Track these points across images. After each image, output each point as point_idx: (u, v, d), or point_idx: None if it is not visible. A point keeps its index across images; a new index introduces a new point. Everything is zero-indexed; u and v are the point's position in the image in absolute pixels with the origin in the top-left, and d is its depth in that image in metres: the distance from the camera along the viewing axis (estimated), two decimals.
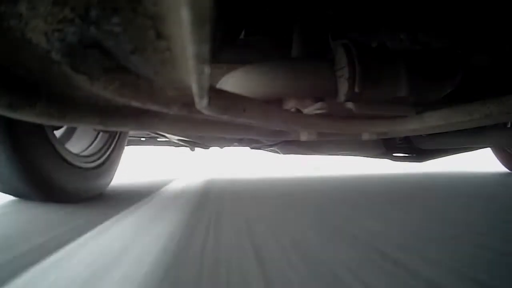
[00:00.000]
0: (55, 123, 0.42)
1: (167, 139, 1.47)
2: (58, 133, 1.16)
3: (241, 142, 1.38)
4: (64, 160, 0.96)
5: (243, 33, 1.06)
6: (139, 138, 1.79)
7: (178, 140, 1.35)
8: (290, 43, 0.87)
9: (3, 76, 0.35)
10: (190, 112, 0.44)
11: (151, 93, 0.39)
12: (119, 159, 1.38)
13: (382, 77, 0.72)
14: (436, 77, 0.77)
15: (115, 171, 1.34)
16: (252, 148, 1.54)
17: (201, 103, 0.37)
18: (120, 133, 1.38)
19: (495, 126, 1.30)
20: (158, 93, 0.40)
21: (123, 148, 1.43)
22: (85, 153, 1.16)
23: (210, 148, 1.62)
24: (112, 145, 1.30)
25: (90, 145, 1.22)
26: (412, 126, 0.77)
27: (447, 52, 0.72)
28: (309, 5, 0.67)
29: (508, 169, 2.12)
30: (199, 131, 0.62)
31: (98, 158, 1.19)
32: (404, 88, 0.73)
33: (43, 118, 0.40)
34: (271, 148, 1.48)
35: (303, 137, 0.83)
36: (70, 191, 0.98)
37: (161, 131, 0.55)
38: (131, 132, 1.54)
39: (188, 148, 1.73)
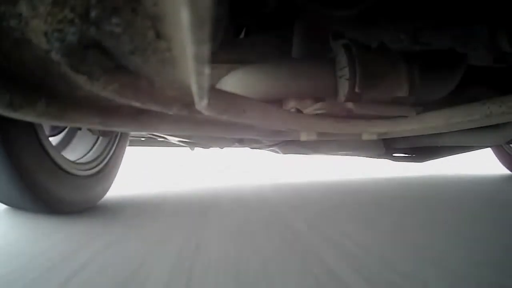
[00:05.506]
0: (55, 123, 0.42)
1: (167, 139, 1.47)
2: (55, 139, 1.14)
3: (241, 142, 1.38)
4: (59, 167, 0.93)
5: (243, 33, 1.06)
6: (139, 138, 1.79)
7: (178, 140, 1.35)
8: (291, 43, 0.87)
9: (3, 76, 0.35)
10: (190, 112, 0.44)
11: (151, 93, 0.39)
12: (118, 168, 1.34)
13: (383, 77, 0.72)
14: (436, 78, 0.77)
15: (113, 181, 1.30)
16: (252, 148, 1.54)
17: (201, 103, 0.37)
18: (120, 138, 1.35)
19: (495, 125, 1.29)
20: (158, 93, 0.40)
21: (122, 156, 1.39)
22: (82, 160, 1.13)
23: (210, 148, 1.62)
24: (111, 152, 1.27)
25: (88, 152, 1.19)
26: (412, 126, 0.77)
27: (447, 52, 0.72)
28: (309, 4, 0.67)
29: (511, 171, 2.10)
30: (199, 131, 0.62)
31: (96, 166, 1.17)
32: (404, 88, 0.73)
33: (43, 118, 0.40)
34: (271, 148, 1.47)
35: (303, 137, 0.83)
36: (66, 201, 0.95)
37: (161, 132, 0.55)
38: (131, 132, 1.53)
39: (186, 149, 1.72)
